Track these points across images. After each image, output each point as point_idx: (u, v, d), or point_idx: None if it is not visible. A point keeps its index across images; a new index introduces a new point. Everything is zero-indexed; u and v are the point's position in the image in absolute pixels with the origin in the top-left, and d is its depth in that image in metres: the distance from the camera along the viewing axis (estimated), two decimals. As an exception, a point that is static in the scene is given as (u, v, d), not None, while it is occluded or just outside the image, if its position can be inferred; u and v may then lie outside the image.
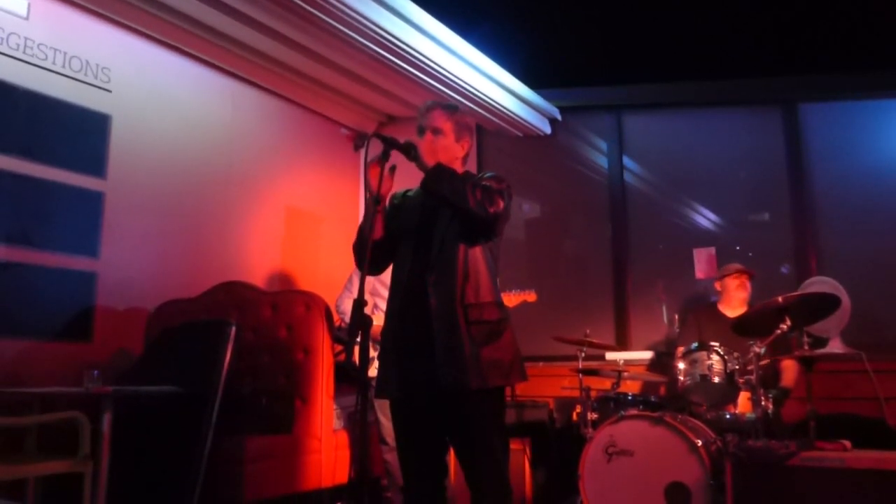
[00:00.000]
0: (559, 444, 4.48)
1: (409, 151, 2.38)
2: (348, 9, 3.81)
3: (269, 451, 3.53)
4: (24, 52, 3.66)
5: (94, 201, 3.91)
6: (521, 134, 5.59)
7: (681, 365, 3.84)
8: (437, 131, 2.51)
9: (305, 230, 5.32)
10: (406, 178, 2.59)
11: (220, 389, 3.23)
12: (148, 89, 4.25)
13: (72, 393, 3.17)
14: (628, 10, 5.11)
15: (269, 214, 5.01)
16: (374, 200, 2.35)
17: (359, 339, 2.14)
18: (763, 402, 3.45)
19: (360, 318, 2.13)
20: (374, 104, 5.37)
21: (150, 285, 4.09)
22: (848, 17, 4.80)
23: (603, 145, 5.65)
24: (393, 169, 2.39)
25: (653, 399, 4.06)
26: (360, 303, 2.14)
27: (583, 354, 4.11)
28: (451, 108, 2.59)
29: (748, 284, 4.34)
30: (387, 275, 2.62)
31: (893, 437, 3.83)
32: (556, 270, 5.65)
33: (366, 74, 4.72)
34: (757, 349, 3.47)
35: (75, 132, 3.84)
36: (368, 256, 2.30)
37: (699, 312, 4.52)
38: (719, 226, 5.42)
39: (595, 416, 3.87)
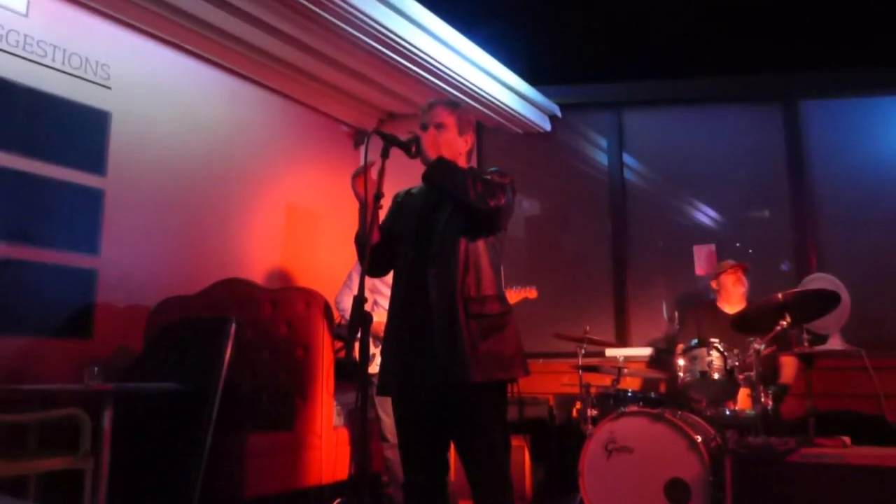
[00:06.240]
0: (559, 440, 4.49)
1: (411, 147, 2.38)
2: (349, 6, 3.80)
3: (269, 448, 3.54)
4: (23, 49, 3.65)
5: (94, 198, 3.91)
6: (521, 131, 5.59)
7: (681, 361, 3.84)
8: (440, 126, 2.49)
9: (305, 227, 5.32)
10: (407, 177, 2.59)
11: (220, 386, 3.24)
12: (148, 86, 4.24)
13: (72, 390, 3.17)
14: (628, 7, 5.10)
15: (269, 211, 5.01)
16: (375, 198, 2.31)
17: (359, 336, 2.15)
18: (763, 399, 3.45)
19: (360, 315, 2.13)
20: (375, 101, 5.36)
21: (150, 282, 4.09)
22: (849, 14, 4.79)
23: (603, 142, 5.65)
24: (382, 172, 2.34)
25: (652, 396, 4.06)
26: (360, 300, 2.14)
27: (583, 351, 4.11)
28: (454, 105, 2.59)
29: (744, 278, 4.33)
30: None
31: (893, 434, 3.83)
32: (556, 267, 5.64)
33: (366, 71, 4.72)
34: (757, 346, 3.47)
35: (75, 129, 3.84)
36: (368, 255, 2.30)
37: (699, 309, 4.53)
38: (719, 222, 5.41)
39: (595, 412, 3.88)
